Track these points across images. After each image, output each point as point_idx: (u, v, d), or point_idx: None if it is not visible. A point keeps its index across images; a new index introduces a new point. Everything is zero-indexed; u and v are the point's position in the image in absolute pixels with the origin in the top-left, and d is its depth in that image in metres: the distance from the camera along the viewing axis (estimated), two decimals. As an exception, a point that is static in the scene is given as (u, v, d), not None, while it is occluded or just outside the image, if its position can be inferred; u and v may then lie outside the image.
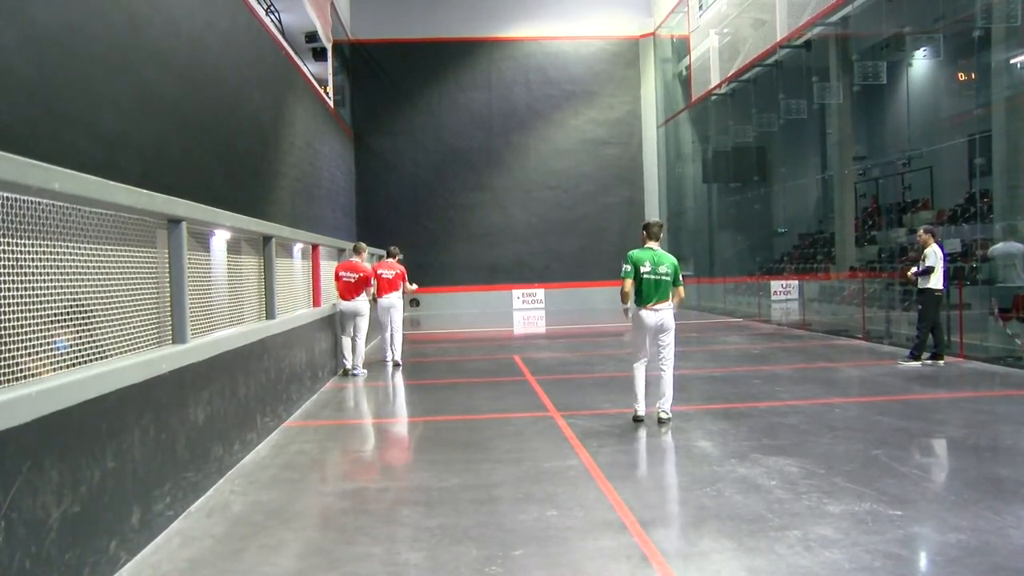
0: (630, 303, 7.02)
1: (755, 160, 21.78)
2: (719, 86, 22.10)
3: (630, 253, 7.03)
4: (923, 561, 3.89)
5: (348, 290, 10.45)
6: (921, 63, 17.85)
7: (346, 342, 10.75)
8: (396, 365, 11.63)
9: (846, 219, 17.75)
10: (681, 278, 7.05)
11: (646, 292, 6.88)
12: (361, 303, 10.52)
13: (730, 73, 21.30)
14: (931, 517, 4.40)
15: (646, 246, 7.03)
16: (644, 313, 6.92)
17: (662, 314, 6.90)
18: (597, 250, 25.70)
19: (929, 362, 10.26)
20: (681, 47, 25.34)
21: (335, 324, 10.64)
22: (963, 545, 3.92)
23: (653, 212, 26.51)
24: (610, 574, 3.77)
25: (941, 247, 10.28)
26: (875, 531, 4.14)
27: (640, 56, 26.84)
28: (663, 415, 6.98)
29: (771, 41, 18.89)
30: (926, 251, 10.14)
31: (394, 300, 11.58)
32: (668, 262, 6.91)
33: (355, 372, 10.67)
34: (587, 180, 26.52)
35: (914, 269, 10.27)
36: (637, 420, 7.10)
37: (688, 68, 24.59)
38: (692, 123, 24.71)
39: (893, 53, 16.63)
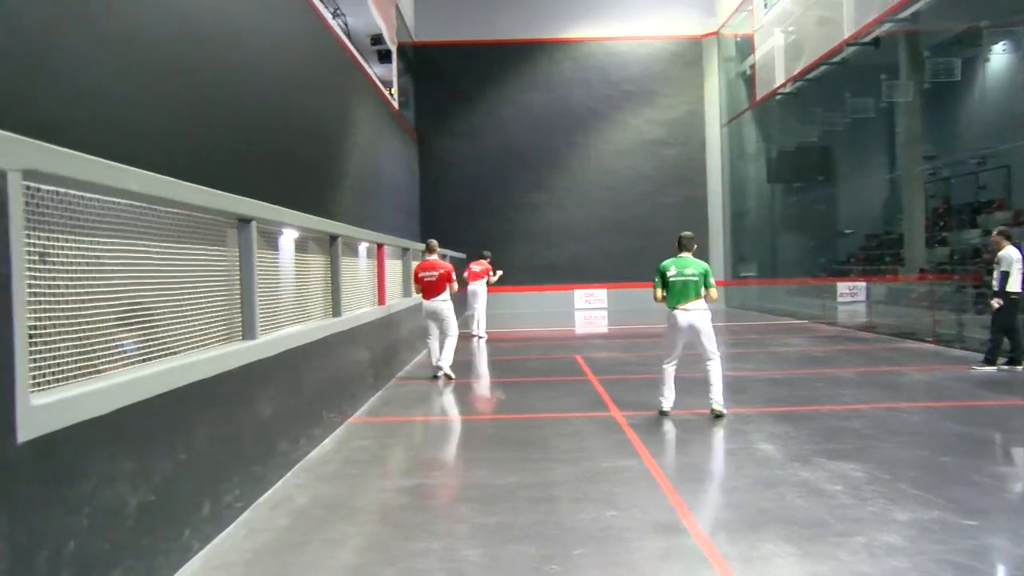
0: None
1: (820, 160, 21.35)
2: (783, 85, 21.72)
3: (659, 264, 7.55)
4: (998, 574, 3.78)
5: (430, 289, 10.34)
6: (998, 58, 17.27)
7: (432, 343, 10.62)
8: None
9: (915, 220, 17.27)
10: (712, 281, 7.45)
11: (675, 293, 7.35)
12: (443, 303, 10.35)
13: (795, 72, 20.93)
14: (1005, 529, 4.26)
15: (679, 256, 7.52)
16: (676, 313, 7.36)
17: (693, 314, 7.31)
18: (657, 251, 25.25)
19: (1006, 367, 9.92)
20: (745, 46, 24.98)
21: (393, 325, 10.76)
22: (1036, 557, 3.81)
23: (716, 212, 26.23)
24: (669, 576, 3.76)
25: (1019, 248, 9.92)
26: (944, 540, 4.04)
27: (703, 55, 26.54)
28: (715, 407, 7.32)
29: (837, 39, 18.49)
30: (1000, 254, 9.80)
31: (476, 287, 15.92)
32: (695, 265, 7.38)
33: (447, 373, 10.38)
34: (645, 180, 26.32)
35: (995, 287, 9.84)
36: (663, 414, 7.51)
37: (752, 67, 24.23)
38: (756, 123, 24.34)
39: (967, 48, 16.13)
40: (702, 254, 7.82)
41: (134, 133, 7.07)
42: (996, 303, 9.78)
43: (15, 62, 5.39)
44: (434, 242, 10.93)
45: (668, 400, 7.53)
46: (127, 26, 7.14)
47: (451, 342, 10.46)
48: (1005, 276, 9.69)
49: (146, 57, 7.49)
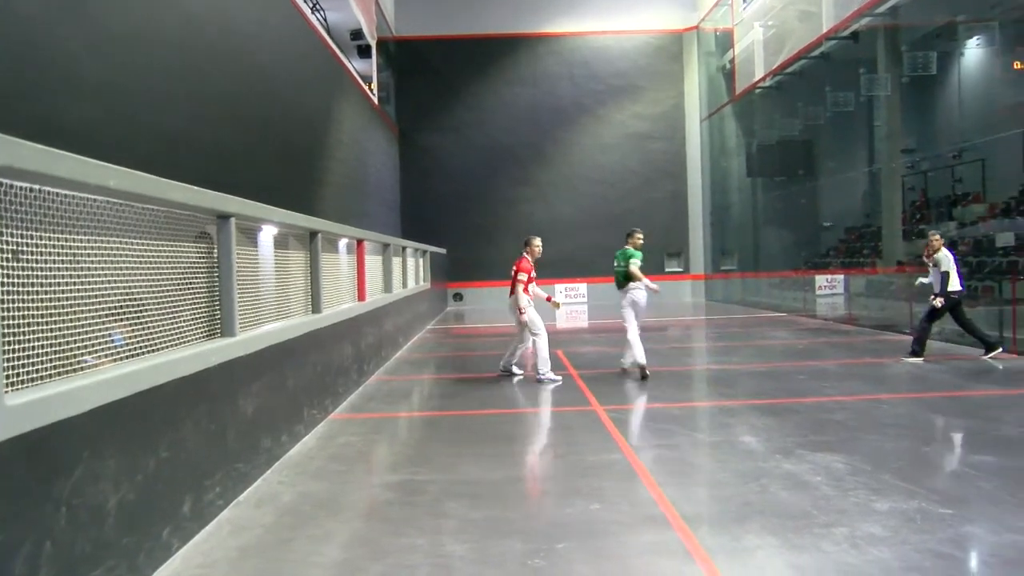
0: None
1: (801, 154, 21.51)
2: (764, 79, 21.83)
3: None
4: (976, 562, 3.82)
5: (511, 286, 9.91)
6: (974, 52, 17.43)
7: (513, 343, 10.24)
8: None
9: (893, 213, 17.44)
10: (630, 262, 9.78)
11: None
12: (511, 301, 9.96)
13: (775, 66, 21.03)
14: (985, 517, 4.30)
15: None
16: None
17: (629, 295, 9.99)
18: (643, 245, 25.47)
19: (987, 358, 10.30)
20: (725, 40, 25.09)
21: (374, 321, 10.74)
22: (1021, 547, 3.84)
23: (696, 206, 26.33)
24: (654, 569, 3.76)
25: (950, 250, 10.45)
26: (925, 530, 4.08)
27: (684, 50, 26.63)
28: (624, 364, 10.03)
29: (817, 33, 18.61)
30: (937, 256, 10.17)
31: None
32: (621, 256, 9.92)
33: (507, 368, 10.21)
34: (632, 175, 26.39)
35: (936, 290, 10.26)
36: (633, 369, 9.81)
37: (732, 61, 24.34)
38: (736, 117, 24.45)
39: (945, 43, 16.28)
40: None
41: (135, 130, 7.03)
42: (939, 302, 10.17)
43: (13, 58, 5.33)
44: (532, 239, 10.24)
45: (633, 360, 9.59)
46: (128, 23, 7.10)
47: (521, 347, 10.09)
48: (946, 276, 10.10)
49: (148, 54, 7.46)
